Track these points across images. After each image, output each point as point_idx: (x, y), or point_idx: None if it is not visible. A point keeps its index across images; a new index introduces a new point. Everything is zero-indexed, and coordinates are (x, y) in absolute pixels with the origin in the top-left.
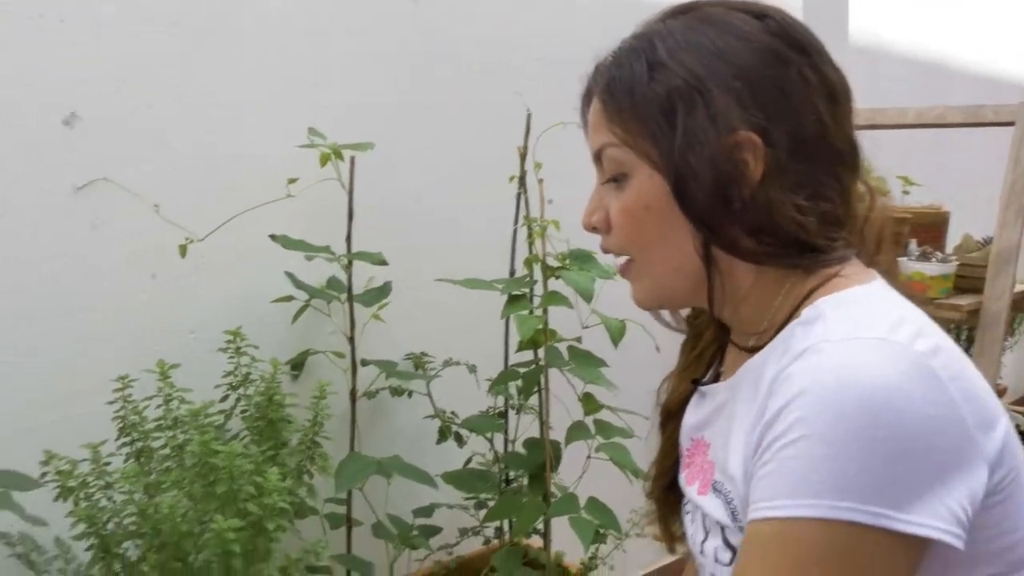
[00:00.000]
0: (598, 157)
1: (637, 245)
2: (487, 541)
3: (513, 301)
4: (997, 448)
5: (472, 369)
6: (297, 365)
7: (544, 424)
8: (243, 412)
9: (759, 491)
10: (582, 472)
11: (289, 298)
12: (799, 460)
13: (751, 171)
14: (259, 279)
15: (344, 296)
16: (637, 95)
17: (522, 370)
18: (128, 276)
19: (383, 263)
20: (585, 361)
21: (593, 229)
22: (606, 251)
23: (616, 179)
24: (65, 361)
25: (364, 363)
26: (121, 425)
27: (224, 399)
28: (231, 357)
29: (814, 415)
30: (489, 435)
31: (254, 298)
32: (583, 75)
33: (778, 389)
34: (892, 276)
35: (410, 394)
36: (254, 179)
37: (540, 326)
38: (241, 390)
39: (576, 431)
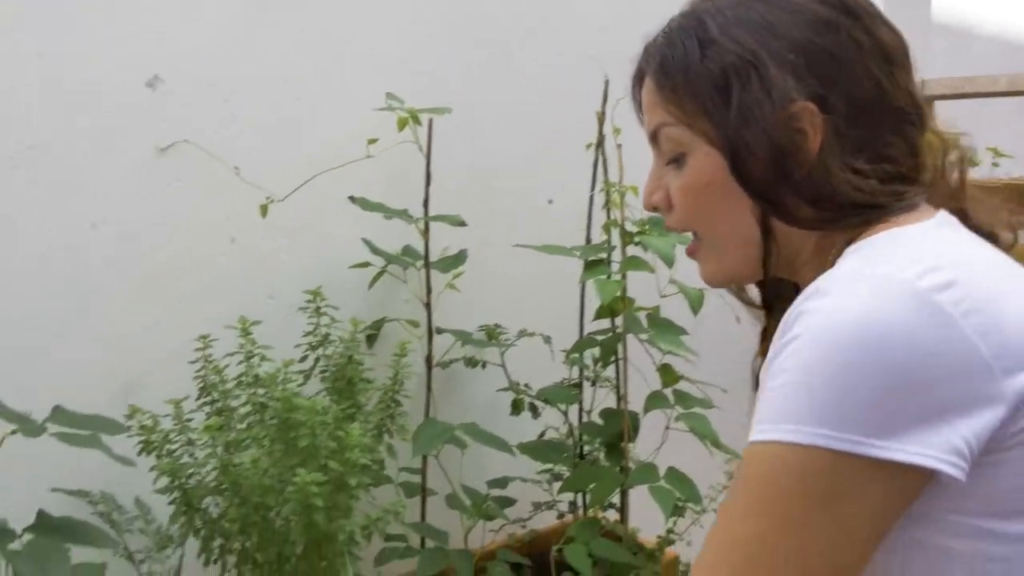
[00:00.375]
0: (654, 137)
1: (701, 221)
2: (561, 515)
3: (592, 266)
4: (1022, 387)
5: (547, 340)
6: (372, 333)
7: (622, 395)
8: (322, 372)
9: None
10: (660, 443)
11: (366, 264)
12: (784, 388)
13: (810, 140)
14: (336, 246)
15: (420, 263)
16: (691, 73)
17: (599, 338)
18: (208, 238)
19: (462, 224)
20: (664, 329)
21: (654, 208)
22: (670, 229)
23: (675, 159)
24: (145, 320)
25: (439, 331)
26: (202, 385)
27: (303, 359)
28: (310, 316)
29: (806, 348)
30: (564, 407)
31: (331, 265)
32: (633, 57)
33: (785, 329)
34: (970, 215)
35: (484, 365)
36: (333, 144)
37: (619, 292)
38: (320, 350)
39: (655, 400)
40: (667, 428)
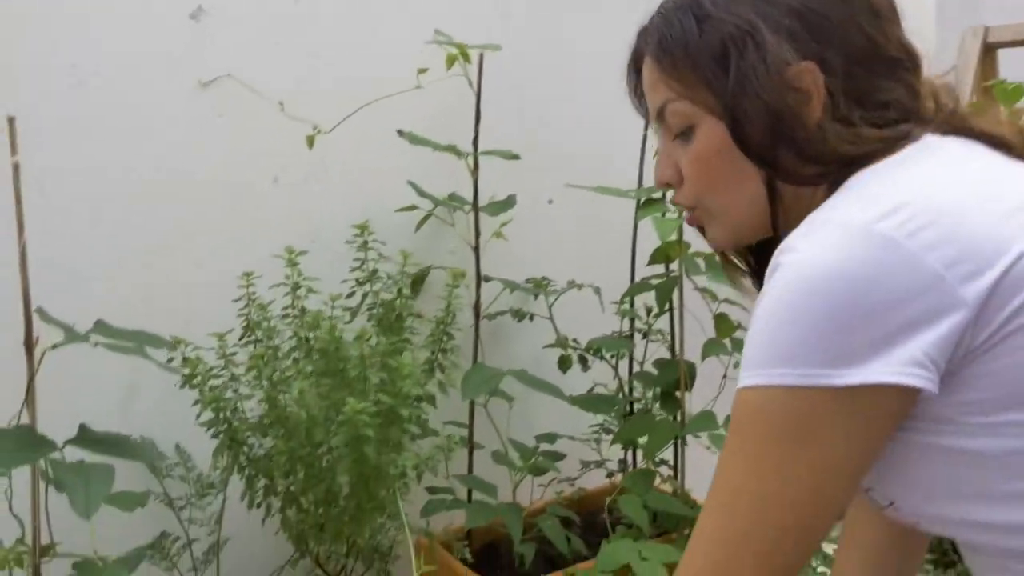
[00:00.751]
0: (660, 115)
1: (710, 190)
2: (610, 474)
3: (648, 205)
4: (987, 288)
5: (597, 291)
6: (417, 281)
7: (678, 343)
8: (369, 309)
9: None
10: (718, 392)
11: (412, 207)
12: (751, 338)
13: (813, 101)
14: (381, 190)
15: (468, 207)
16: (690, 48)
17: (655, 282)
18: (250, 177)
19: (514, 157)
20: (747, 294)
21: (666, 185)
22: (677, 205)
23: (683, 133)
24: (186, 259)
25: (487, 279)
26: (246, 323)
27: (350, 296)
28: (358, 250)
29: (768, 298)
30: (614, 361)
31: (376, 209)
32: (627, 43)
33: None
34: (975, 129)
35: (531, 317)
36: (380, 81)
37: (677, 232)
38: (368, 286)
39: (712, 347)
40: (724, 378)
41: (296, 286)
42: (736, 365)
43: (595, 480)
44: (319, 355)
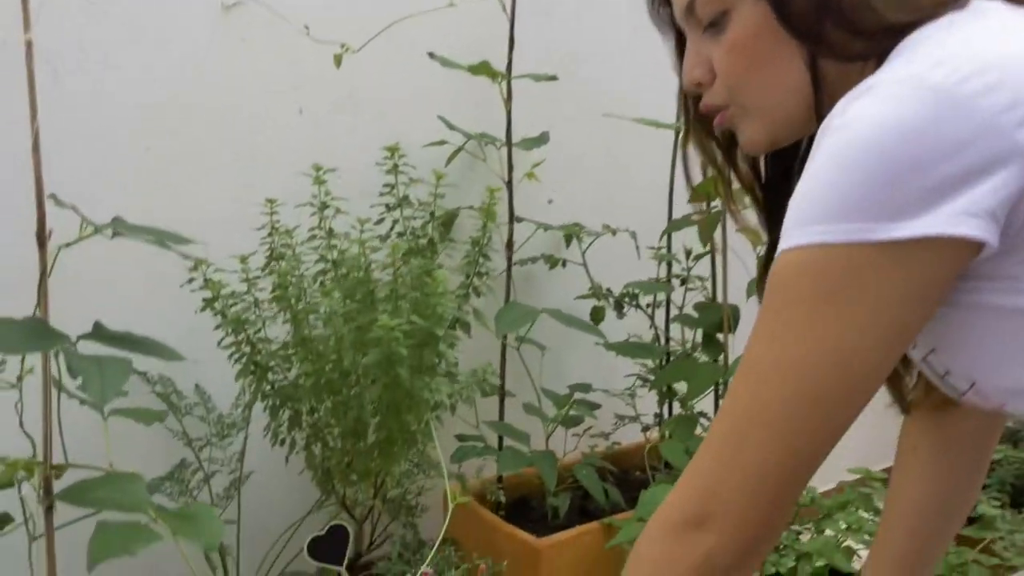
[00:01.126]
0: (690, 8)
1: (747, 82)
2: (646, 428)
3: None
4: None
5: (633, 235)
6: (447, 222)
7: (720, 289)
8: (399, 236)
9: None
10: None
11: (442, 142)
12: (789, 207)
13: None
14: (409, 124)
15: (500, 143)
16: None
17: (696, 217)
18: (274, 107)
19: (552, 79)
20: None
21: (697, 85)
22: (708, 109)
23: (715, 23)
24: (209, 188)
25: (519, 220)
26: (269, 252)
27: (379, 222)
28: (387, 173)
29: (809, 167)
30: (650, 310)
31: (404, 144)
32: None
33: None
34: None
35: (564, 264)
36: (410, 4)
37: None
38: (398, 212)
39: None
40: None
41: (324, 205)
42: None
43: (630, 436)
44: (347, 275)
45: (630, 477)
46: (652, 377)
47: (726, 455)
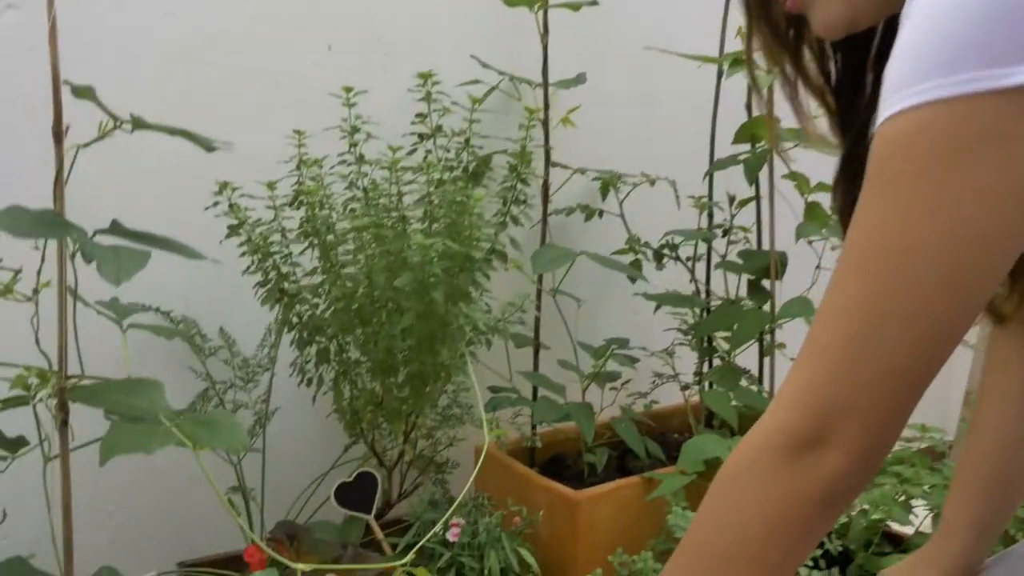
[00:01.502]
0: None
1: None
2: (685, 387)
3: (738, 62)
4: None
5: (672, 183)
6: (480, 170)
7: (766, 235)
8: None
9: None
10: (811, 284)
11: (475, 81)
12: (886, 72)
13: None
14: (441, 63)
15: (535, 83)
16: None
17: (742, 157)
18: (302, 44)
19: (593, 3)
20: (819, 144)
21: None
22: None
23: None
24: (237, 124)
25: (555, 164)
26: (297, 184)
27: (412, 152)
28: (419, 100)
29: (915, 15)
30: (689, 263)
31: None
32: None
33: None
34: None
35: (600, 214)
36: None
37: (769, 86)
38: (431, 142)
39: (807, 227)
40: (818, 268)
41: (354, 129)
42: (833, 248)
43: (667, 398)
44: (378, 202)
45: (668, 439)
46: (692, 331)
47: (850, 358)
